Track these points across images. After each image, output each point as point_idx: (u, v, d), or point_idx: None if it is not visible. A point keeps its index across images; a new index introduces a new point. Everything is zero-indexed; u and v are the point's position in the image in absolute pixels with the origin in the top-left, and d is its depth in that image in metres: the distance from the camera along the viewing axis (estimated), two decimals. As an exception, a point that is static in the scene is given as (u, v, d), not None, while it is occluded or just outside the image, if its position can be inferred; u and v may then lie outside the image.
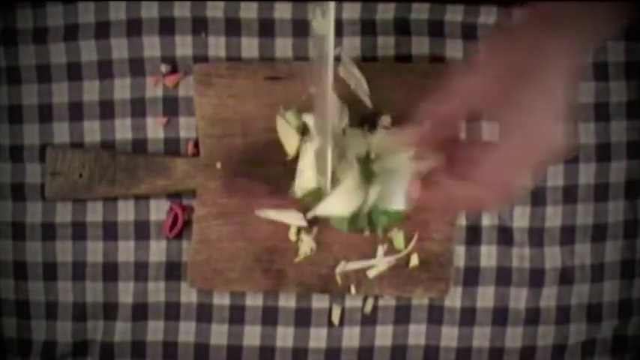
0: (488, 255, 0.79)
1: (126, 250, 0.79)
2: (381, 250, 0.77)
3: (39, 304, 0.80)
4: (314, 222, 0.76)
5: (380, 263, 0.77)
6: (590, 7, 0.61)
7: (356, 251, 0.77)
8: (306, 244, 0.77)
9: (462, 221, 0.79)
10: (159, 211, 0.79)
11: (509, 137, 0.59)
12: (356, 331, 0.80)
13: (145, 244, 0.79)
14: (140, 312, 0.80)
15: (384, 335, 0.80)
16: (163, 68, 0.78)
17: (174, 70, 0.79)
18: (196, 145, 0.78)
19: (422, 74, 0.78)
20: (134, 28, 0.79)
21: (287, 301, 0.79)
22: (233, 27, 0.79)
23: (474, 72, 0.61)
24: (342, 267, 0.77)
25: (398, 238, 0.77)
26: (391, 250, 0.78)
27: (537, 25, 0.61)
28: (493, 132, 0.79)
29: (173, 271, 0.79)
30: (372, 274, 0.77)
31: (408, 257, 0.78)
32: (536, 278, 0.79)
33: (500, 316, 0.80)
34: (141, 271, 0.79)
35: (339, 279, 0.77)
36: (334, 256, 0.77)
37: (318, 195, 0.69)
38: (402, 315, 0.79)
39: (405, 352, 0.80)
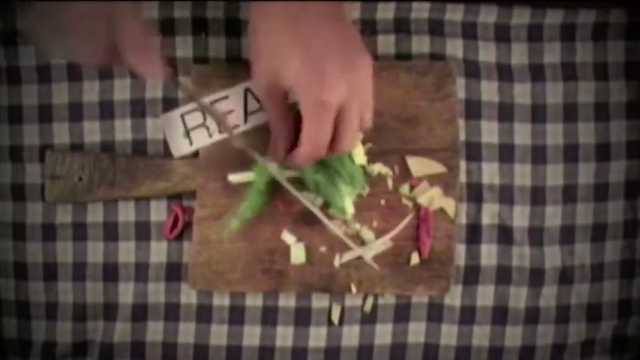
0: (488, 254, 0.79)
1: (126, 251, 0.79)
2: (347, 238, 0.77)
3: (39, 304, 0.80)
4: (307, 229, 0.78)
5: (375, 246, 0.77)
6: None
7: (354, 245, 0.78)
8: (297, 253, 0.77)
9: (463, 220, 0.79)
10: (159, 212, 0.79)
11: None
12: (356, 330, 0.79)
13: (146, 245, 0.79)
14: (140, 313, 0.80)
15: (383, 334, 0.80)
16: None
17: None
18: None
19: (422, 72, 0.78)
20: (134, 28, 0.79)
21: (287, 301, 0.79)
22: (233, 27, 0.79)
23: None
24: (339, 260, 0.77)
25: (363, 231, 0.77)
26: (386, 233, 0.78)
27: None
28: (492, 131, 0.79)
29: (173, 272, 0.79)
30: (368, 256, 0.77)
31: (409, 255, 0.78)
32: (536, 277, 0.79)
33: (500, 315, 0.80)
34: (141, 272, 0.79)
35: (340, 275, 0.77)
36: (334, 254, 0.78)
37: None
38: (402, 313, 0.79)
39: (404, 350, 0.80)
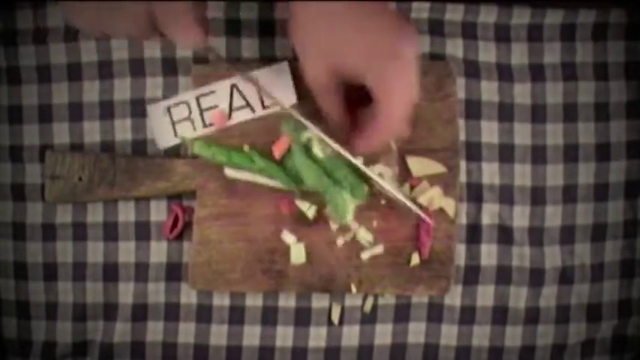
0: (488, 254, 0.80)
1: (126, 251, 0.79)
2: (341, 239, 0.77)
3: (39, 304, 0.80)
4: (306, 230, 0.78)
5: (373, 247, 0.77)
6: None
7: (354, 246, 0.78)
8: (297, 253, 0.77)
9: (463, 220, 0.79)
10: (159, 212, 0.79)
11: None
12: (355, 330, 0.79)
13: (146, 245, 0.79)
14: (140, 313, 0.79)
15: (383, 334, 0.80)
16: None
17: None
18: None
19: (422, 72, 0.77)
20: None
21: (287, 301, 0.79)
22: (233, 27, 0.79)
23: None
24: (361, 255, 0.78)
25: (360, 232, 0.77)
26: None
27: None
28: (492, 131, 0.79)
29: (173, 272, 0.79)
30: (365, 256, 0.77)
31: (409, 256, 0.77)
32: (536, 277, 0.79)
33: (500, 315, 0.80)
34: (141, 272, 0.79)
35: (340, 275, 0.77)
36: (335, 255, 0.77)
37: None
38: (402, 313, 0.79)
39: (404, 350, 0.80)
